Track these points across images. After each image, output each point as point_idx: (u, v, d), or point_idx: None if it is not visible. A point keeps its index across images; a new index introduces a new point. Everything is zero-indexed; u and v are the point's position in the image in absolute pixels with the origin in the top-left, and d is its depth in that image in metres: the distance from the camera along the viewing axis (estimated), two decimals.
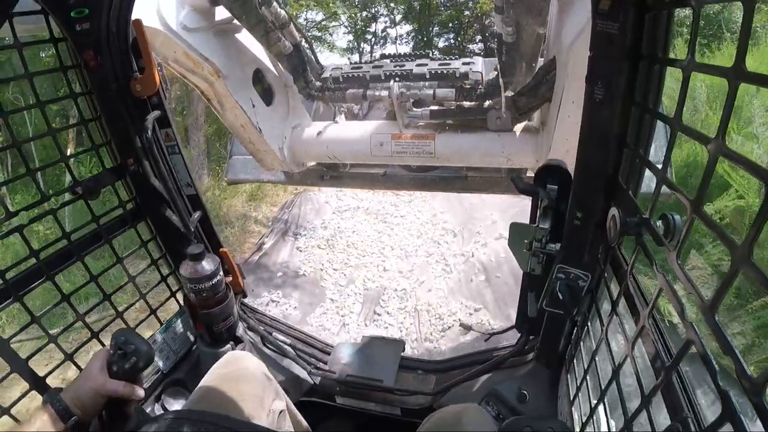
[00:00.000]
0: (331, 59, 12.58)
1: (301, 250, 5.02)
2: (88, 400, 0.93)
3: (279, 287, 4.27)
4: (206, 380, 1.29)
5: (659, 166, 0.78)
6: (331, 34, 12.78)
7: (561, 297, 1.11)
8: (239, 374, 1.30)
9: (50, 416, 0.88)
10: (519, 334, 1.52)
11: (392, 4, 12.79)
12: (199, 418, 1.00)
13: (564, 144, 1.50)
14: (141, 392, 0.99)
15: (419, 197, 6.08)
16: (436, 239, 5.16)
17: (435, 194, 5.92)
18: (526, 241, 1.20)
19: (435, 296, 4.16)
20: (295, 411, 1.50)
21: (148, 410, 1.48)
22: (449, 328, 3.70)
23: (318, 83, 2.03)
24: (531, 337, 1.48)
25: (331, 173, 2.54)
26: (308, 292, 4.20)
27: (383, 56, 2.04)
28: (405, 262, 4.74)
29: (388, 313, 3.98)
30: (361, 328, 3.78)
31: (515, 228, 1.23)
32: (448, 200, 5.87)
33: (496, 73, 1.74)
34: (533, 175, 1.25)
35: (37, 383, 1.19)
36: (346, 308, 4.01)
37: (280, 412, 1.34)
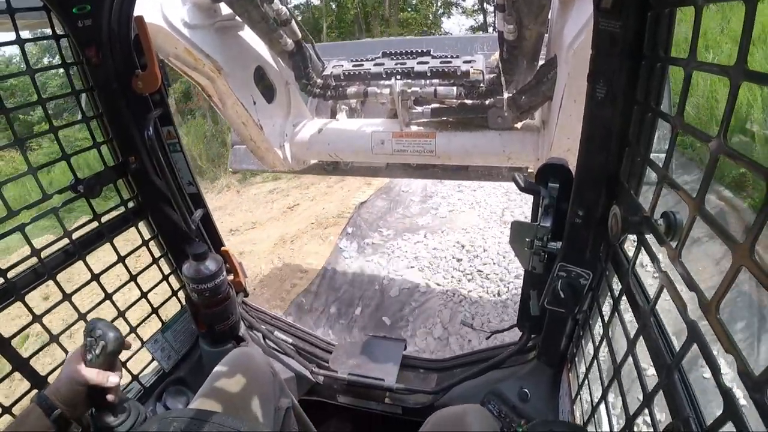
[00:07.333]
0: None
1: None
2: (67, 392, 0.93)
3: None
4: (214, 376, 1.29)
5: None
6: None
7: (562, 295, 1.11)
8: (246, 371, 1.30)
9: (37, 413, 0.90)
10: (520, 333, 1.52)
11: None
12: (201, 418, 1.00)
13: (565, 142, 1.50)
14: (115, 378, 0.98)
15: None
16: None
17: None
18: (527, 239, 1.20)
19: None
20: (300, 409, 1.49)
21: (149, 409, 1.48)
22: None
23: (320, 81, 2.03)
24: (532, 336, 1.47)
25: (332, 169, 2.57)
26: None
27: (384, 54, 2.04)
28: None
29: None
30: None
31: (517, 226, 1.23)
32: None
33: (497, 71, 1.74)
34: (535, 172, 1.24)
35: (39, 382, 1.19)
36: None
37: (287, 409, 1.34)
